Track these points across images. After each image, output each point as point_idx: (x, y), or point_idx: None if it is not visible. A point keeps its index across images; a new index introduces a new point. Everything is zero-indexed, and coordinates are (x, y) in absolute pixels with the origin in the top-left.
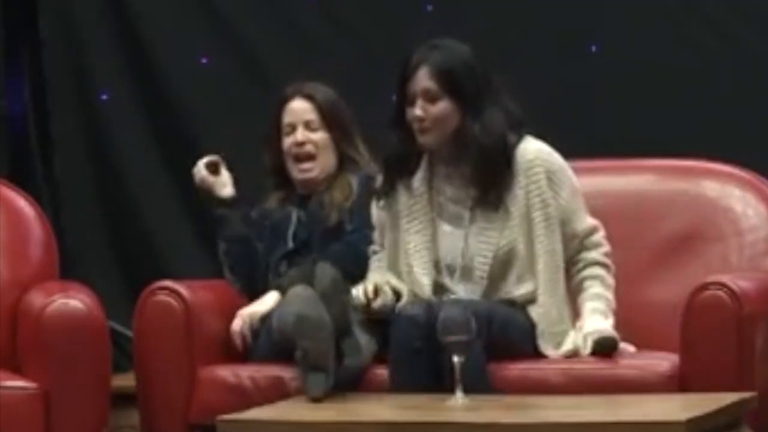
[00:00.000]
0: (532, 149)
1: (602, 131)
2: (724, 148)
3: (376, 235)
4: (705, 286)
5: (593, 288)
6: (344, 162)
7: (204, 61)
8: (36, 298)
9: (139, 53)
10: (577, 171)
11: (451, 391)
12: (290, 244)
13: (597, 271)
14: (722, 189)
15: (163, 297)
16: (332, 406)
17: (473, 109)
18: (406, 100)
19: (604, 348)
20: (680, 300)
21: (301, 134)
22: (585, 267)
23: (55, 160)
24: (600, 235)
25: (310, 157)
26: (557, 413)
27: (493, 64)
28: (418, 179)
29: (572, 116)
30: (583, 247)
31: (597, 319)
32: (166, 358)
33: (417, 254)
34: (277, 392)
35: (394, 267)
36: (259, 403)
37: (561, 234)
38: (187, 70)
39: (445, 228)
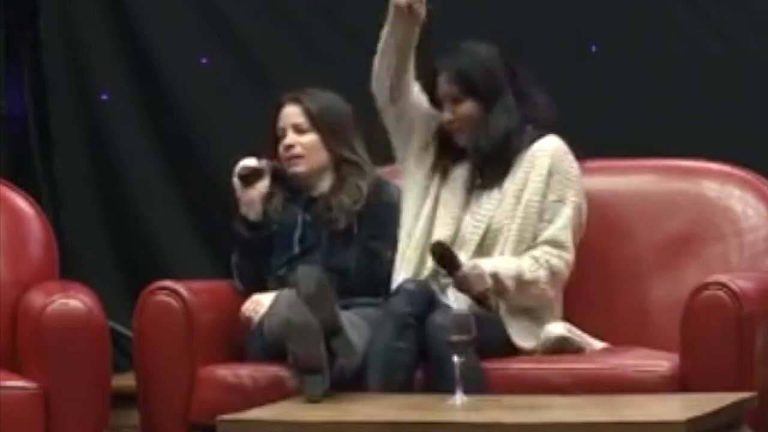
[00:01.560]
0: (549, 144)
1: (602, 131)
2: (724, 148)
3: (410, 205)
4: (705, 286)
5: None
6: (341, 164)
7: (204, 61)
8: (36, 298)
9: (139, 53)
10: None
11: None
12: (296, 249)
13: (535, 253)
14: (722, 189)
15: (163, 297)
16: (332, 405)
17: (487, 107)
18: (438, 105)
19: (437, 252)
20: (680, 300)
21: (289, 137)
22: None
23: (55, 160)
24: (567, 251)
25: (299, 159)
26: (557, 413)
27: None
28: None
29: (572, 116)
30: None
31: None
32: (166, 358)
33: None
34: (276, 391)
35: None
36: (258, 403)
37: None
38: (187, 70)
39: (449, 198)
